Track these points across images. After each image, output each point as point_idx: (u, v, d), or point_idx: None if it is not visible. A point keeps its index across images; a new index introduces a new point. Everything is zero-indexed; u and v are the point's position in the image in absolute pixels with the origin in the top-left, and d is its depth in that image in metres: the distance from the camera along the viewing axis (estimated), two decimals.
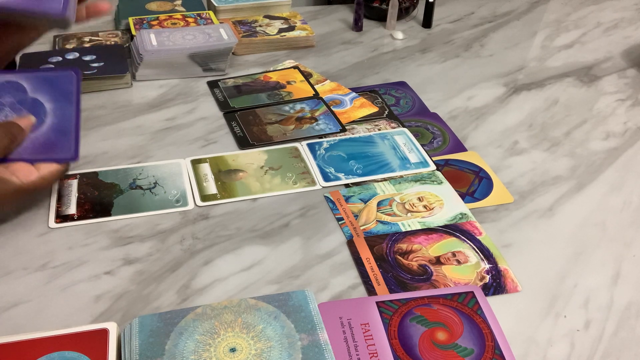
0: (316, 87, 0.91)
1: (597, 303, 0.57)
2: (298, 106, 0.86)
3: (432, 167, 0.74)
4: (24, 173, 0.60)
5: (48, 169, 0.61)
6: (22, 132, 0.61)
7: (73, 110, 0.64)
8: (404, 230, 0.65)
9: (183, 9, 1.07)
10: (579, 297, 0.58)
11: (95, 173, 0.71)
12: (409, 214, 0.67)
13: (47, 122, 0.64)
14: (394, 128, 0.82)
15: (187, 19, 1.02)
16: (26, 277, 0.58)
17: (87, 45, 0.96)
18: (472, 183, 0.72)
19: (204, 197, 0.68)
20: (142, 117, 0.83)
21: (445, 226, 0.65)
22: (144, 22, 1.00)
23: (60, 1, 0.62)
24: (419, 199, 0.69)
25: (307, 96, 0.88)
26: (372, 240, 0.63)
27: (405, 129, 0.81)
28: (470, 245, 0.63)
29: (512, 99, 0.91)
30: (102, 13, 0.68)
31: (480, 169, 0.75)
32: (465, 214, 0.67)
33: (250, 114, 0.84)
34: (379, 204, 0.68)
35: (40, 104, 0.64)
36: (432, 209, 0.68)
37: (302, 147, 0.77)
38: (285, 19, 1.09)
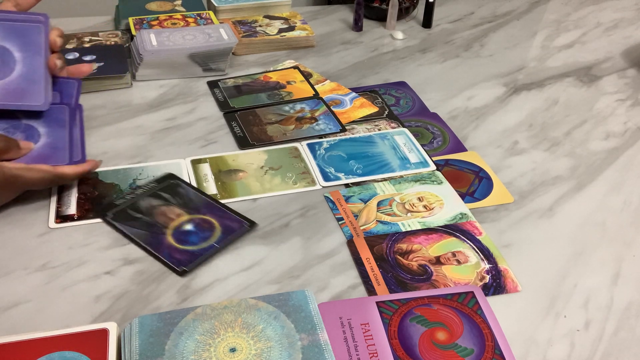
0: (316, 87, 0.90)
1: (597, 303, 0.57)
2: (298, 106, 0.86)
3: (432, 167, 0.74)
4: (12, 162, 0.62)
5: (38, 166, 0.63)
6: (18, 149, 0.63)
7: (42, 60, 0.65)
8: (404, 230, 0.65)
9: (183, 9, 1.07)
10: (579, 297, 0.58)
11: (95, 173, 0.71)
12: (409, 214, 0.67)
13: (16, 70, 0.64)
14: (394, 128, 0.82)
15: (187, 19, 1.02)
16: (26, 277, 0.58)
17: (87, 45, 0.95)
18: (472, 183, 0.72)
19: None
20: (142, 117, 0.83)
21: (445, 226, 0.65)
22: (144, 22, 1.00)
23: (42, 96, 0.64)
24: (419, 199, 0.69)
25: (307, 96, 0.88)
26: (372, 240, 0.63)
27: (405, 129, 0.81)
28: (470, 245, 0.63)
29: (512, 99, 0.91)
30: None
31: (480, 169, 0.75)
32: (465, 214, 0.67)
33: (250, 114, 0.84)
34: (379, 204, 0.68)
35: (9, 52, 0.65)
36: (432, 209, 0.68)
37: (302, 147, 0.77)
38: (285, 19, 1.08)
